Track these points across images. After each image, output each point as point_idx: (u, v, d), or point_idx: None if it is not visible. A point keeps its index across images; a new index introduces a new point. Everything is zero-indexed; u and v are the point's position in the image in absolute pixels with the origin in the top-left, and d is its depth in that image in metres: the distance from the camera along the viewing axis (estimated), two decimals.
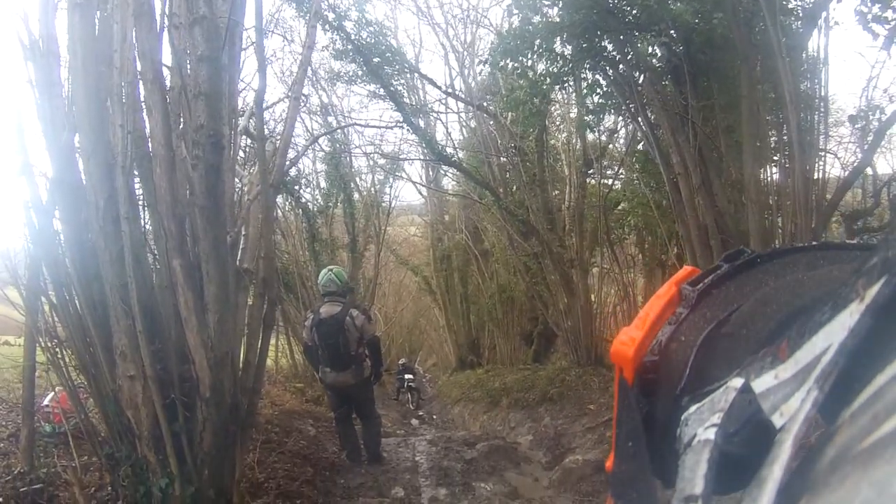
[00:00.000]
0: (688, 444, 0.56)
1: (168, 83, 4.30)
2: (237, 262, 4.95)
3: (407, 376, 20.12)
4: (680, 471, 0.53)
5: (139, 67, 4.23)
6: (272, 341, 7.48)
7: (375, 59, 13.27)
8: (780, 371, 0.50)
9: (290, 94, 7.92)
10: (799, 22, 8.62)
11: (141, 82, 4.24)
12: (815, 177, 8.09)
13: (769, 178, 9.03)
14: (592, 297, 13.98)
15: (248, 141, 8.66)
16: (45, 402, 6.17)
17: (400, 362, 22.39)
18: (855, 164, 9.29)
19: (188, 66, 4.40)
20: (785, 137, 8.79)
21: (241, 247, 5.17)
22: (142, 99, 4.37)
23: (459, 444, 8.51)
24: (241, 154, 7.15)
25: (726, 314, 0.71)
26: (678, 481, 0.52)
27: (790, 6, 8.53)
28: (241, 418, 4.61)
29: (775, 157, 9.23)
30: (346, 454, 7.81)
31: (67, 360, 4.53)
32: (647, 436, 0.66)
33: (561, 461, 7.73)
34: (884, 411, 0.37)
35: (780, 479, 0.40)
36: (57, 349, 4.51)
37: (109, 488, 4.46)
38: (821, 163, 8.43)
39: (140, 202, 4.39)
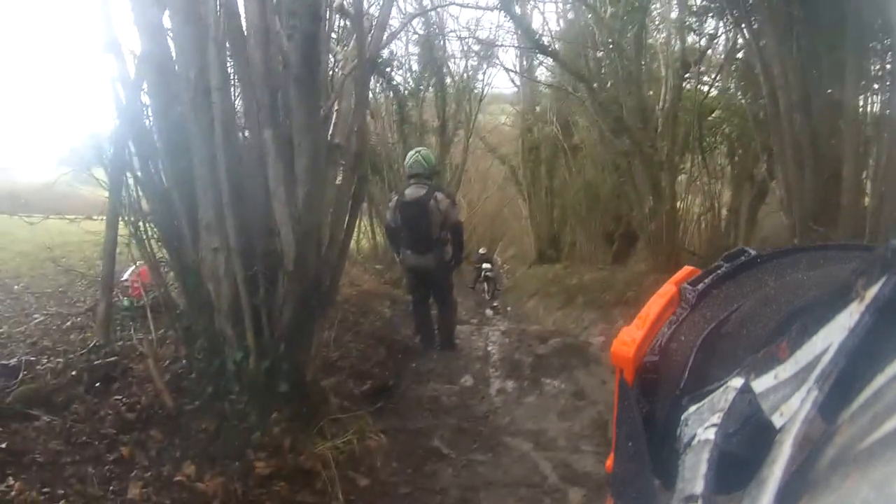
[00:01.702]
0: (688, 444, 0.57)
1: None
2: (328, 137, 4.93)
3: (485, 265, 20.28)
4: (680, 471, 0.55)
5: None
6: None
7: None
8: (780, 371, 0.51)
9: None
10: None
11: None
12: None
13: (869, 107, 8.65)
14: (678, 203, 13.72)
15: (340, 21, 8.59)
16: (125, 276, 6.36)
17: (479, 251, 22.54)
18: None
19: None
20: (889, 66, 8.37)
21: (332, 122, 5.14)
22: None
23: (532, 338, 8.57)
24: (334, 34, 7.07)
25: (726, 314, 0.72)
26: (678, 481, 0.54)
27: None
28: (323, 294, 4.65)
29: (877, 86, 8.80)
30: (420, 338, 7.95)
31: (150, 233, 4.59)
32: (647, 436, 0.68)
33: None
34: (884, 411, 0.38)
35: (780, 479, 0.41)
36: (140, 223, 4.57)
37: (184, 361, 4.58)
38: None
39: (231, 76, 4.38)
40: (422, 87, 18.60)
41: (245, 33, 4.17)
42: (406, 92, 17.52)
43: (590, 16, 15.28)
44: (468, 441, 5.28)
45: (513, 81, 26.69)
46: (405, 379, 6.55)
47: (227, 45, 4.12)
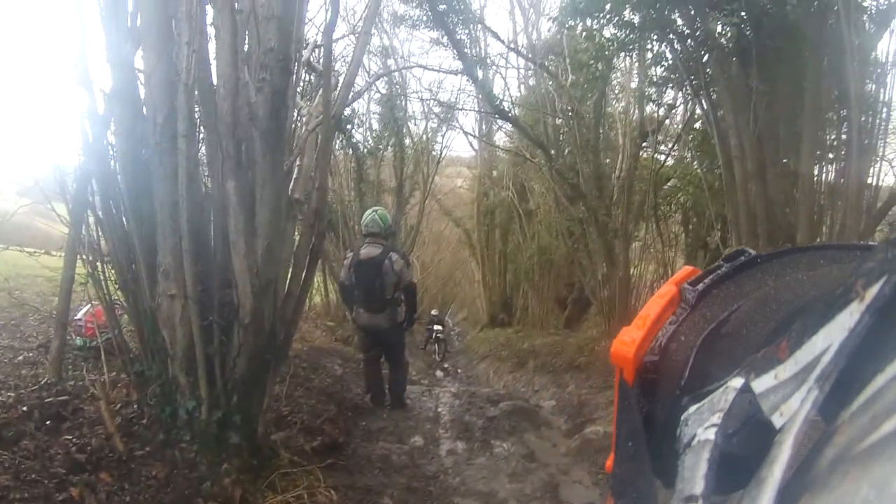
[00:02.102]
0: (688, 444, 0.57)
1: (237, 5, 4.26)
2: (289, 192, 4.94)
3: (437, 327, 20.27)
4: (680, 471, 0.54)
5: None
6: None
7: (441, 6, 13.18)
8: (780, 371, 0.51)
9: (358, 29, 7.87)
10: (871, 22, 8.41)
11: (211, 2, 4.21)
12: (869, 181, 7.96)
13: (824, 176, 8.90)
14: (632, 270, 13.90)
15: (307, 76, 8.66)
16: (80, 315, 6.25)
17: (432, 313, 22.55)
18: None
19: None
20: (843, 136, 8.64)
21: (293, 177, 5.16)
22: (208, 21, 4.37)
23: (482, 401, 8.53)
24: (299, 88, 7.13)
25: (726, 314, 0.72)
26: (678, 481, 0.53)
27: (865, 4, 8.30)
28: (277, 348, 4.63)
29: (831, 155, 9.08)
30: (371, 397, 7.88)
31: (108, 274, 4.55)
32: (647, 436, 0.68)
33: (581, 430, 7.73)
34: (883, 412, 0.37)
35: (780, 479, 0.40)
36: (98, 263, 4.52)
37: (136, 406, 4.50)
38: (876, 168, 8.30)
39: (197, 122, 4.39)
40: (381, 147, 18.75)
41: (215, 82, 4.19)
42: (365, 150, 17.64)
43: (551, 83, 15.59)
44: (418, 501, 5.22)
45: (471, 145, 27.19)
46: (355, 436, 6.47)
47: (196, 92, 4.13)
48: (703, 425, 0.56)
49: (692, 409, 0.60)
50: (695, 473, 0.51)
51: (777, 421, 0.48)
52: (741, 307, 0.70)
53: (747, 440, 0.52)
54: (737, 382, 0.55)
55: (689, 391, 0.64)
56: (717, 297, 0.76)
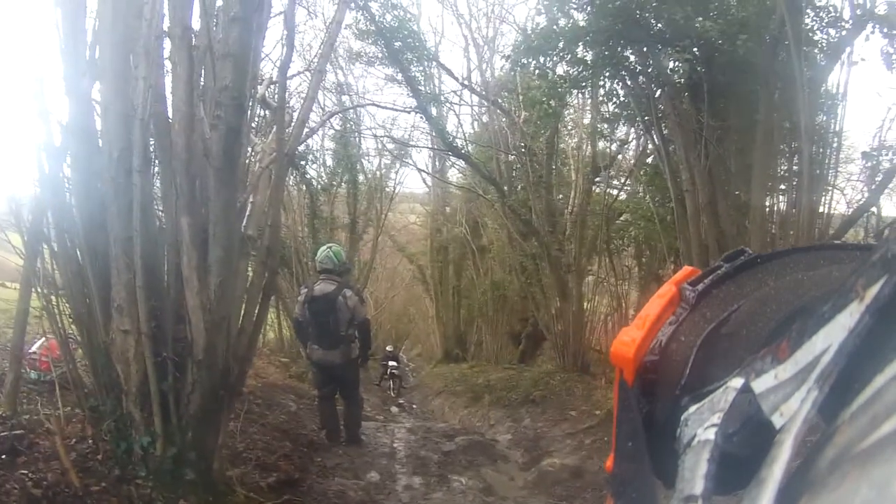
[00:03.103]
0: (688, 444, 0.57)
1: (193, 41, 4.28)
2: (242, 229, 4.93)
3: (391, 363, 20.13)
4: (680, 471, 0.54)
5: (167, 23, 4.23)
6: None
7: (397, 43, 13.31)
8: (780, 371, 0.50)
9: (312, 67, 7.93)
10: (822, 55, 8.64)
11: (168, 38, 4.22)
12: (821, 210, 8.12)
13: (775, 206, 9.07)
14: (585, 304, 13.99)
15: (261, 112, 8.67)
16: (34, 348, 6.14)
17: (386, 349, 22.42)
18: (861, 202, 9.34)
19: (216, 27, 4.41)
20: (795, 167, 8.84)
21: (247, 213, 5.15)
22: (165, 56, 4.38)
23: (438, 436, 8.53)
24: (253, 124, 7.13)
25: (726, 314, 0.71)
26: (678, 481, 0.53)
27: (815, 38, 8.54)
28: (231, 384, 4.59)
29: (782, 186, 9.26)
30: (326, 433, 7.81)
31: (62, 308, 4.51)
32: (647, 436, 0.67)
33: (538, 463, 7.75)
34: (883, 412, 0.37)
35: (780, 479, 0.40)
36: (53, 296, 4.49)
37: (90, 441, 4.42)
38: (827, 197, 8.48)
39: (153, 157, 4.38)
40: (335, 183, 18.76)
41: (170, 118, 4.19)
42: (319, 187, 17.62)
43: (504, 120, 15.73)
44: None
45: (424, 182, 27.20)
46: (311, 472, 6.39)
47: (152, 126, 4.13)
48: (703, 425, 0.56)
49: (692, 409, 0.61)
50: (695, 473, 0.51)
51: (777, 421, 0.49)
52: (741, 307, 0.71)
53: (747, 440, 0.53)
54: (737, 382, 0.55)
55: (689, 391, 0.65)
56: (717, 297, 0.76)
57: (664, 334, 0.73)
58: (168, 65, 4.33)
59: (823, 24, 8.60)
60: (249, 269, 5.28)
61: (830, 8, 8.58)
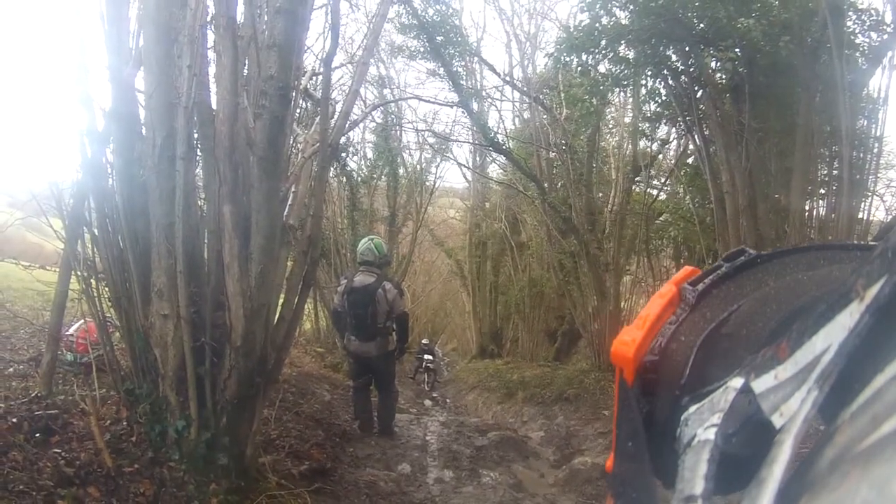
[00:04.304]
0: (688, 444, 0.56)
1: (238, 31, 4.31)
2: (284, 218, 4.97)
3: (426, 357, 20.16)
4: (680, 471, 0.54)
5: (211, 12, 4.27)
6: None
7: (439, 38, 13.33)
8: (780, 371, 0.50)
9: (355, 60, 7.95)
10: (863, 58, 8.51)
11: (212, 27, 4.26)
12: (860, 216, 8.01)
13: (815, 211, 8.96)
14: (622, 303, 13.92)
15: (304, 104, 8.73)
16: (71, 330, 6.23)
17: (422, 342, 22.44)
18: None
19: (260, 17, 4.44)
20: (835, 172, 8.71)
21: (288, 203, 5.18)
22: (209, 45, 4.42)
23: (471, 430, 8.51)
24: (297, 114, 7.17)
25: (726, 314, 0.71)
26: (678, 481, 0.53)
27: (857, 41, 8.41)
28: (267, 372, 4.63)
29: (822, 191, 9.15)
30: (359, 424, 7.84)
31: (101, 291, 4.57)
32: (647, 436, 0.66)
33: (569, 461, 7.72)
34: (883, 412, 0.37)
35: (780, 479, 0.40)
36: (92, 279, 4.55)
37: (125, 423, 4.48)
38: (867, 203, 8.36)
39: (196, 146, 4.43)
40: (375, 176, 18.83)
41: (214, 106, 4.23)
42: (359, 179, 17.67)
43: (545, 116, 15.67)
44: None
45: (464, 176, 27.14)
46: (343, 462, 6.43)
47: (196, 115, 4.17)
48: (703, 425, 0.56)
49: (692, 409, 0.60)
50: (695, 473, 0.51)
51: (777, 421, 0.48)
52: (741, 307, 0.71)
53: (747, 440, 0.52)
54: (737, 382, 0.55)
55: (689, 391, 0.64)
56: (717, 297, 0.76)
57: (664, 334, 0.73)
58: (211, 54, 4.38)
59: (865, 27, 8.47)
60: (290, 258, 5.32)
61: (872, 11, 8.46)
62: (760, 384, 0.52)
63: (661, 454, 0.65)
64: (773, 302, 0.66)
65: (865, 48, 8.54)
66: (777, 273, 0.75)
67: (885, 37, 8.19)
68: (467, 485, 6.41)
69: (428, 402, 16.74)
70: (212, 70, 4.41)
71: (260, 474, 4.69)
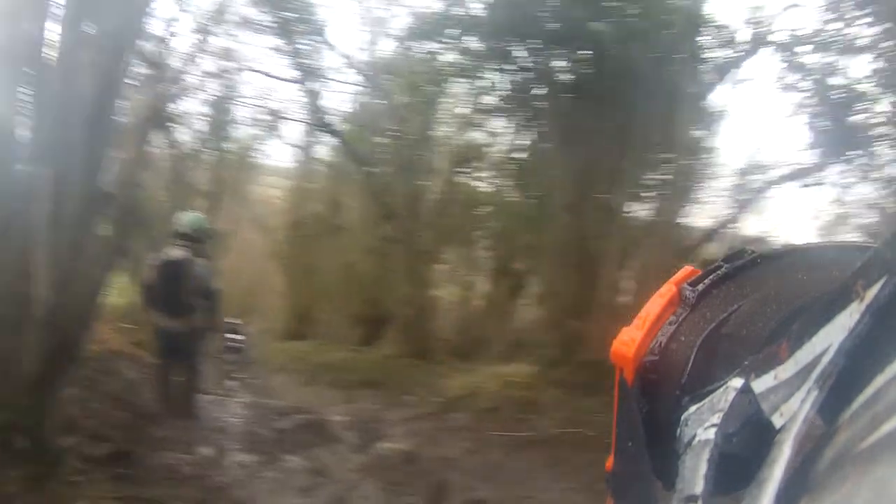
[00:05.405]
0: (688, 445, 0.58)
1: None
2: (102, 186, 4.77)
3: (234, 336, 19.80)
4: (680, 471, 0.56)
5: None
6: None
7: (287, 14, 13.06)
8: (780, 371, 0.51)
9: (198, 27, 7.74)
10: (711, 72, 8.98)
11: None
12: (683, 221, 8.47)
13: (640, 213, 9.39)
14: (435, 291, 14.16)
15: (140, 68, 8.43)
16: None
17: (230, 321, 22.00)
18: (724, 218, 9.78)
19: None
20: (664, 177, 9.13)
21: (108, 169, 4.97)
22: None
23: (274, 413, 8.50)
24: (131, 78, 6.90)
25: (726, 314, 0.72)
26: (678, 481, 0.55)
27: (707, 55, 8.86)
28: (70, 347, 4.45)
29: (649, 194, 9.57)
30: (162, 404, 7.65)
31: None
32: (647, 436, 0.68)
33: (372, 446, 7.85)
34: (884, 412, 0.38)
35: (780, 479, 0.41)
36: None
37: None
38: (691, 209, 8.86)
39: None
40: (203, 149, 18.24)
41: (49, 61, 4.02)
42: (186, 151, 17.10)
43: (382, 101, 15.66)
44: None
45: (290, 156, 26.67)
46: (145, 445, 6.28)
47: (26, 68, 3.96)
48: (703, 425, 0.57)
49: (692, 409, 0.61)
50: (695, 473, 0.52)
51: (777, 421, 0.49)
52: (741, 307, 0.72)
53: (747, 440, 0.53)
54: (737, 382, 0.56)
55: (689, 391, 0.65)
56: (717, 297, 0.76)
57: (664, 334, 0.74)
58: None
59: (717, 43, 8.93)
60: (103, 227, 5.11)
61: (725, 29, 8.93)
62: (760, 384, 0.53)
63: (661, 454, 0.66)
64: (773, 302, 0.68)
65: (714, 63, 9.00)
66: (777, 273, 0.76)
67: (736, 54, 8.67)
68: (269, 469, 6.41)
69: (233, 383, 16.50)
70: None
71: (59, 458, 4.51)
